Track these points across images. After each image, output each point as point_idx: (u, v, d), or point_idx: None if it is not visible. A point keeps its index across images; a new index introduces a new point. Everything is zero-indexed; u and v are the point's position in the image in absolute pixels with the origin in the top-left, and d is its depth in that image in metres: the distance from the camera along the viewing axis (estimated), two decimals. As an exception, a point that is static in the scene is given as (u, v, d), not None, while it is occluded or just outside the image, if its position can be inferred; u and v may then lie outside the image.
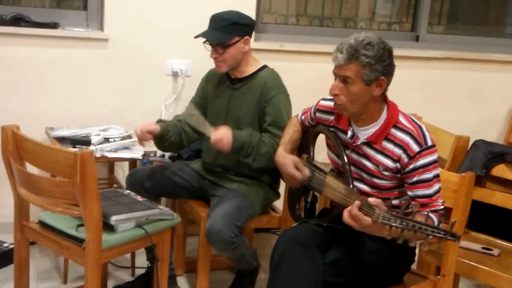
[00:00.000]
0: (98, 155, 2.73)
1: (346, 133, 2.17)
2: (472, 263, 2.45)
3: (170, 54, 3.28)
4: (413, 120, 2.11)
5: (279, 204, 2.83)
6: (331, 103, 2.18)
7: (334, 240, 2.17)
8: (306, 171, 2.25)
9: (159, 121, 2.72)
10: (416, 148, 2.04)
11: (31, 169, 2.34)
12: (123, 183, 2.96)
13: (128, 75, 3.25)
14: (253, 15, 3.19)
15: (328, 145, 2.29)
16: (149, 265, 2.76)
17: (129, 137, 2.97)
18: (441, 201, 2.08)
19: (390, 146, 2.08)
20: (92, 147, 2.75)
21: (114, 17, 3.18)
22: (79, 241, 2.18)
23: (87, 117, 3.16)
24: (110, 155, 2.80)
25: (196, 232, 2.72)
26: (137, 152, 2.86)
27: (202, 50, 2.66)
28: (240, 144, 2.52)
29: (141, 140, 2.59)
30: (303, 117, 2.41)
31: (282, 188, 2.73)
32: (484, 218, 2.81)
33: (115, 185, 3.17)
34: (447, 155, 2.80)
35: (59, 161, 2.12)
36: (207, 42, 2.62)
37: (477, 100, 3.86)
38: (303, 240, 2.10)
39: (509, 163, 2.75)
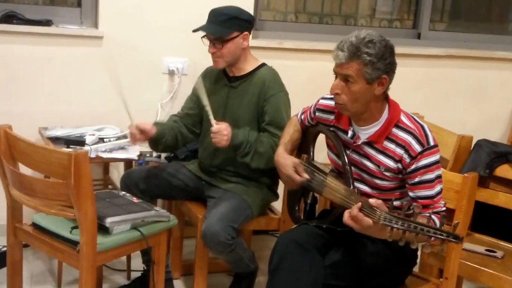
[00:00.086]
0: (92, 155, 2.73)
1: (346, 132, 2.16)
2: (476, 266, 2.45)
3: (166, 52, 3.27)
4: (415, 119, 2.10)
5: (278, 205, 2.82)
6: (331, 102, 2.17)
7: (334, 242, 2.16)
8: (305, 175, 2.23)
9: (155, 123, 2.67)
10: (418, 148, 2.03)
11: (24, 170, 2.32)
12: (119, 184, 2.94)
13: (123, 73, 3.21)
14: (251, 12, 3.15)
15: (328, 145, 2.28)
16: (145, 268, 2.75)
17: (125, 137, 2.97)
18: (443, 202, 2.07)
19: (391, 146, 2.07)
20: (86, 147, 2.75)
21: (108, 14, 3.16)
22: (74, 243, 2.18)
23: (81, 116, 3.14)
24: (105, 155, 2.80)
25: (193, 234, 2.71)
26: (132, 153, 2.86)
27: (199, 48, 2.65)
28: (238, 141, 2.50)
29: (134, 139, 2.55)
30: (302, 117, 2.39)
31: (280, 189, 2.71)
32: (488, 220, 2.81)
33: (110, 186, 3.17)
34: (449, 155, 2.80)
35: (53, 161, 2.11)
36: (205, 37, 2.59)
37: (480, 98, 3.85)
38: (303, 242, 2.09)
39: (513, 163, 2.73)
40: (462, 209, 2.19)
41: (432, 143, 2.04)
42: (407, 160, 2.03)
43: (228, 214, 2.47)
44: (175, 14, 3.22)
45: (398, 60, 2.05)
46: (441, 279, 2.28)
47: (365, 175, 2.14)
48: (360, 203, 1.87)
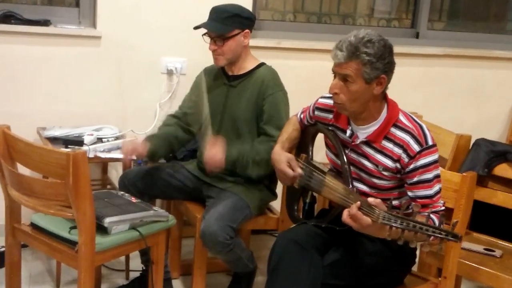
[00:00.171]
0: (91, 155, 2.72)
1: (345, 132, 2.16)
2: (474, 265, 2.44)
3: (164, 52, 3.26)
4: (413, 119, 2.10)
5: (276, 205, 2.81)
6: (330, 101, 2.17)
7: (333, 241, 2.16)
8: (299, 170, 2.22)
9: (148, 138, 2.65)
10: (416, 147, 2.03)
11: (22, 170, 2.32)
12: (117, 184, 2.93)
13: (121, 73, 3.21)
14: (249, 12, 3.16)
15: (327, 145, 2.28)
16: (144, 268, 2.74)
17: (123, 137, 2.98)
18: (442, 202, 2.07)
19: (390, 145, 2.07)
20: (85, 147, 2.74)
21: (107, 14, 3.15)
22: (72, 243, 2.17)
23: (79, 116, 3.13)
24: (104, 155, 2.80)
25: (191, 234, 2.71)
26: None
27: (197, 48, 2.64)
28: (232, 159, 2.51)
29: (125, 156, 2.58)
30: (302, 116, 2.39)
31: (279, 188, 2.71)
32: (486, 219, 2.80)
33: (108, 186, 3.16)
34: (448, 155, 2.80)
35: (51, 161, 2.10)
36: (206, 34, 2.59)
37: (479, 98, 3.85)
38: (302, 242, 2.09)
39: (512, 162, 2.73)
40: (460, 208, 2.19)
41: (430, 143, 2.04)
42: (406, 159, 2.03)
43: (226, 213, 2.47)
44: (173, 14, 3.21)
45: (396, 60, 2.05)
46: (440, 278, 2.28)
47: (363, 175, 2.13)
48: (359, 202, 1.87)
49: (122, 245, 2.26)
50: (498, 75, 3.84)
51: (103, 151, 2.80)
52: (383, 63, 1.98)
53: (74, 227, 2.17)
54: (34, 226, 2.32)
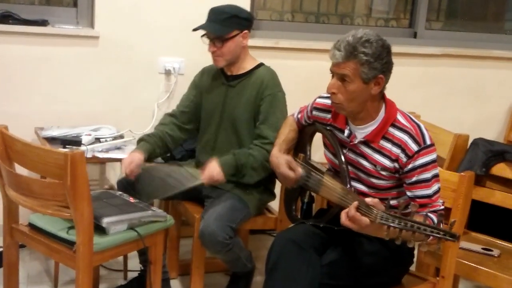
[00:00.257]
0: (89, 155, 2.71)
1: (343, 131, 2.16)
2: (472, 264, 2.44)
3: (162, 51, 3.25)
4: (411, 118, 2.10)
5: (275, 205, 2.81)
6: (328, 101, 2.16)
7: (331, 241, 2.15)
8: (300, 171, 2.23)
9: (141, 139, 2.66)
10: (414, 147, 2.03)
11: (20, 170, 2.31)
12: (115, 184, 2.92)
13: (119, 73, 3.21)
14: (247, 12, 3.15)
15: (325, 144, 2.28)
16: (142, 268, 2.73)
17: (121, 137, 2.96)
18: (441, 201, 2.07)
19: (388, 145, 2.07)
20: (82, 147, 2.73)
21: (105, 14, 3.15)
22: (70, 244, 2.17)
23: (77, 116, 3.12)
24: (102, 155, 2.79)
25: (190, 234, 2.70)
26: (129, 152, 2.81)
27: (195, 48, 2.64)
28: (232, 169, 2.51)
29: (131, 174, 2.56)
30: (299, 116, 2.38)
31: (277, 188, 2.70)
32: (484, 218, 2.80)
33: (106, 186, 3.12)
34: (446, 154, 2.80)
35: (49, 162, 2.10)
36: (205, 36, 2.58)
37: (477, 97, 3.85)
38: (300, 242, 2.08)
39: (510, 162, 2.75)
40: (458, 208, 2.19)
41: (428, 142, 2.04)
42: (404, 159, 2.03)
43: (225, 213, 2.47)
44: (171, 14, 3.21)
45: (394, 59, 2.05)
46: (437, 278, 2.28)
47: (361, 174, 2.13)
48: (356, 203, 1.87)
49: (120, 245, 2.26)
50: (497, 75, 3.84)
51: (101, 151, 2.80)
52: (381, 63, 1.98)
53: (72, 227, 2.17)
54: (32, 226, 2.32)
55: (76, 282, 2.16)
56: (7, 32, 3.03)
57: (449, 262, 2.23)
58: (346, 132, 2.13)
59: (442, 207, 2.05)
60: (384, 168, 2.07)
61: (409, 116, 2.10)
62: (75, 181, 2.03)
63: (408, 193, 2.06)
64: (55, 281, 2.81)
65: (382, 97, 2.09)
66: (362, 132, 2.10)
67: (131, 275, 2.88)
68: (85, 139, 2.81)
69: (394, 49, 2.07)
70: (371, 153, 2.09)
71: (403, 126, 2.06)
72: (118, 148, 2.87)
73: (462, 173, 2.22)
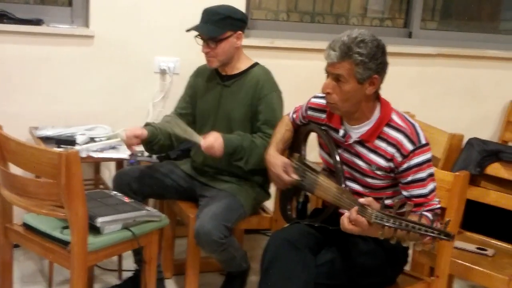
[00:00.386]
0: (83, 155, 2.70)
1: (338, 131, 2.16)
2: (467, 264, 2.44)
3: (158, 51, 3.25)
4: (406, 118, 2.10)
5: (270, 204, 2.81)
6: (323, 101, 2.17)
7: (326, 241, 2.16)
8: (294, 176, 2.22)
9: (147, 124, 2.66)
10: (409, 146, 2.03)
11: (14, 169, 2.30)
12: (110, 184, 2.93)
13: (114, 73, 3.20)
14: (242, 11, 3.14)
15: (320, 144, 2.28)
16: (137, 268, 2.73)
17: (116, 136, 2.93)
18: (437, 200, 2.07)
19: (383, 145, 2.07)
20: (77, 147, 2.73)
21: (100, 13, 3.14)
22: (64, 243, 2.17)
23: (72, 116, 3.11)
24: (96, 155, 2.78)
25: (184, 233, 2.71)
26: (124, 152, 2.82)
27: (190, 47, 2.63)
28: (232, 148, 2.49)
29: (129, 145, 2.54)
30: (294, 116, 2.38)
31: (273, 188, 2.70)
32: (479, 218, 2.80)
33: (101, 186, 3.14)
34: (441, 154, 2.80)
35: (44, 161, 2.10)
36: (198, 36, 2.57)
37: (472, 97, 3.86)
38: (295, 241, 2.08)
39: (504, 162, 2.74)
40: (453, 208, 2.19)
41: (423, 142, 2.04)
42: (399, 159, 2.03)
43: (221, 213, 2.46)
44: (166, 13, 3.20)
45: (389, 59, 2.05)
46: (432, 278, 2.28)
47: (356, 174, 2.13)
48: (357, 207, 1.86)
49: (114, 245, 2.26)
50: (492, 75, 3.85)
51: (96, 150, 2.79)
52: (375, 63, 1.98)
53: (66, 227, 2.16)
54: (26, 226, 2.31)
55: (71, 282, 2.15)
56: (2, 31, 3.01)
57: (444, 262, 2.24)
58: (341, 132, 2.13)
59: (439, 206, 2.05)
60: (379, 167, 2.07)
61: (404, 116, 2.10)
62: (69, 180, 2.03)
63: (404, 193, 2.06)
64: (49, 281, 2.81)
65: (377, 97, 2.10)
66: (357, 132, 2.10)
67: (126, 275, 2.88)
68: (79, 139, 2.81)
69: (389, 49, 2.08)
70: (366, 152, 2.09)
71: (398, 125, 2.06)
72: (112, 147, 2.86)
73: (456, 173, 2.22)
